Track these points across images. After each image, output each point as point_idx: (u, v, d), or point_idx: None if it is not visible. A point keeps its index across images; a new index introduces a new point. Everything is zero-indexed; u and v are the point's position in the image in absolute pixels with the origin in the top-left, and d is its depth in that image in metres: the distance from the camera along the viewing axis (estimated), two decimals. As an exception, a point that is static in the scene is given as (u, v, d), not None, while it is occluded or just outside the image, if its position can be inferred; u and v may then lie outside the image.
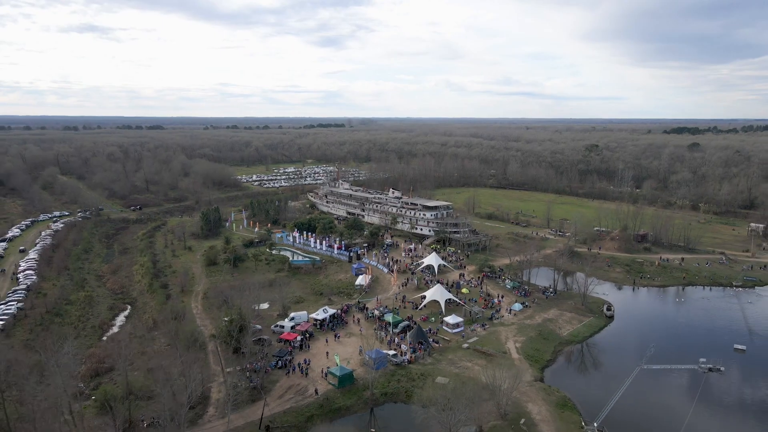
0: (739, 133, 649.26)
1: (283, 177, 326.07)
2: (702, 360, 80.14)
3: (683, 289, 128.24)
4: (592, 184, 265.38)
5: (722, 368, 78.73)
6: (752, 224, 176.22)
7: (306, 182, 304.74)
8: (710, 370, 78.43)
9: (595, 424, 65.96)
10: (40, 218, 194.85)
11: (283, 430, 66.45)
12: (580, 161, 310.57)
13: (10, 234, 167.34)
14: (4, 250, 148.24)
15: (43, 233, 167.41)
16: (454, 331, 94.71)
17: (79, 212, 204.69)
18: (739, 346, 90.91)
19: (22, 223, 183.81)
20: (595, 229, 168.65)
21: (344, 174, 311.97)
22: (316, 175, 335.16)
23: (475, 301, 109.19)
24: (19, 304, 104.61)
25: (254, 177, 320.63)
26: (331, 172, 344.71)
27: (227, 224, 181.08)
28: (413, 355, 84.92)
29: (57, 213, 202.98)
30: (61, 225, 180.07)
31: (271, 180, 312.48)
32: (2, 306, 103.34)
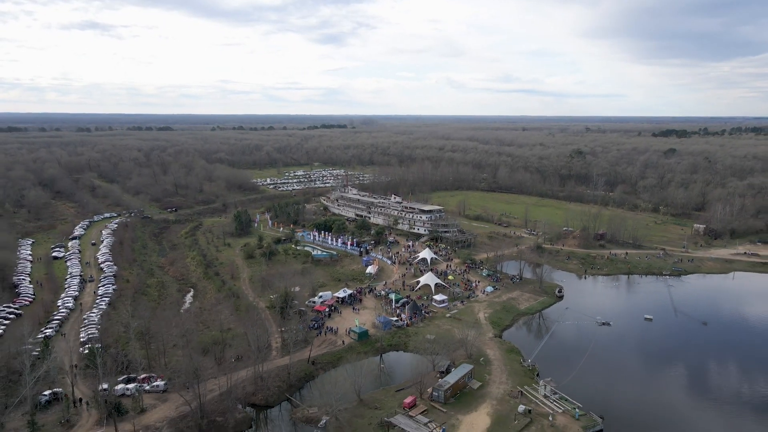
0: (723, 136, 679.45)
1: (295, 180, 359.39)
2: (598, 317, 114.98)
3: (629, 277, 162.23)
4: (571, 188, 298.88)
5: (611, 323, 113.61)
6: (696, 225, 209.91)
7: (316, 185, 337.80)
8: (603, 324, 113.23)
9: (529, 361, 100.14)
10: (94, 219, 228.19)
11: (323, 364, 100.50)
12: (563, 167, 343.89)
13: (76, 232, 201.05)
14: (79, 245, 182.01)
15: (103, 232, 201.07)
16: (440, 305, 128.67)
17: (125, 213, 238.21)
18: (648, 316, 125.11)
19: (82, 223, 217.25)
20: (564, 229, 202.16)
21: (351, 178, 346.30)
22: (324, 178, 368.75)
23: (458, 285, 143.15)
24: (113, 287, 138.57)
25: (268, 180, 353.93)
26: (338, 175, 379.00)
27: (255, 224, 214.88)
28: (410, 321, 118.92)
29: (107, 214, 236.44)
30: (116, 225, 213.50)
31: (284, 183, 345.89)
32: (102, 288, 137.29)
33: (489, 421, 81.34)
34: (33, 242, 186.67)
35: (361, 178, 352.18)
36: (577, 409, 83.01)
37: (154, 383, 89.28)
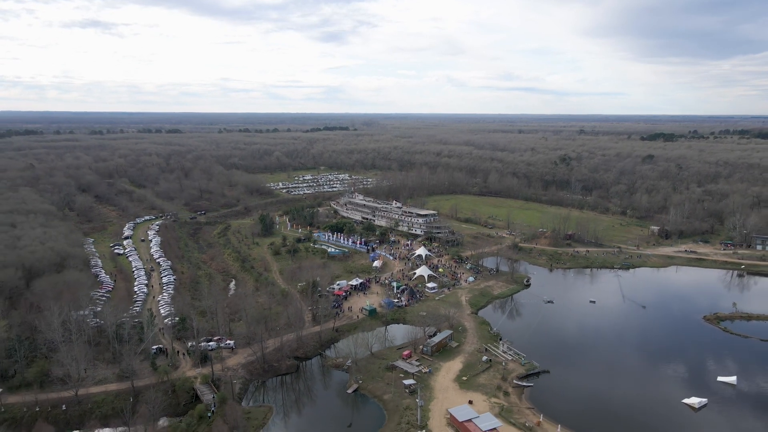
0: (708, 140, 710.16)
1: (305, 184, 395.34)
2: (544, 297, 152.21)
3: (591, 270, 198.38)
4: (553, 193, 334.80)
5: (553, 301, 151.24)
6: (652, 227, 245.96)
7: (324, 189, 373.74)
8: (547, 302, 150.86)
9: (495, 329, 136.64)
10: (137, 221, 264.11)
11: (344, 331, 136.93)
12: (547, 173, 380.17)
13: (126, 233, 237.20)
14: (132, 243, 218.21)
15: (149, 232, 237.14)
16: (432, 291, 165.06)
17: (161, 216, 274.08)
18: (592, 299, 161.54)
19: (128, 224, 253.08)
20: (540, 230, 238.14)
21: (356, 182, 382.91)
22: (331, 182, 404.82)
23: (446, 276, 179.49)
24: (173, 277, 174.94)
25: (280, 185, 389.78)
26: (343, 180, 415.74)
27: (276, 226, 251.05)
28: (408, 302, 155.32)
29: (146, 217, 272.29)
30: (157, 226, 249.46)
31: (295, 187, 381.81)
32: (165, 278, 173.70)
33: (461, 365, 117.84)
34: (93, 241, 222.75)
35: (365, 183, 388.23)
36: (523, 358, 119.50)
37: (226, 342, 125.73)
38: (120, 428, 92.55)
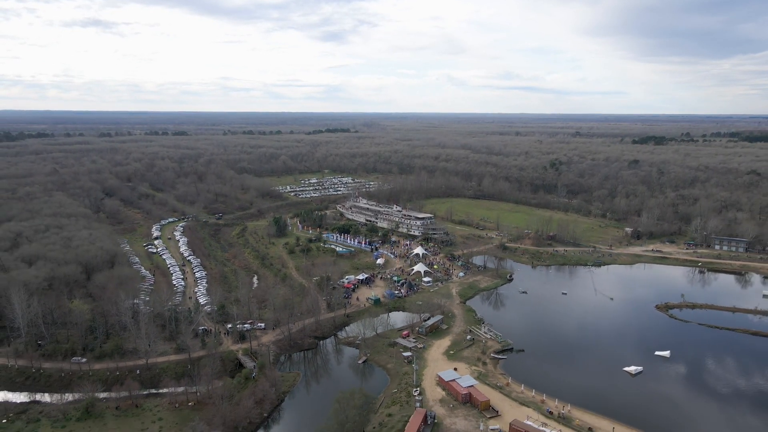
0: (698, 143, 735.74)
1: (311, 188, 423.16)
2: (519, 288, 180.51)
3: (568, 267, 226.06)
4: (541, 196, 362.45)
5: (527, 291, 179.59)
6: (626, 228, 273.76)
7: (329, 193, 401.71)
8: (522, 292, 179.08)
9: (479, 315, 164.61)
10: (162, 223, 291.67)
11: (353, 317, 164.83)
12: (537, 177, 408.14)
13: (154, 234, 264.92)
14: (163, 243, 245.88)
15: (175, 233, 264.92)
16: (427, 284, 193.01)
17: (182, 218, 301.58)
18: (564, 291, 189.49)
19: (155, 226, 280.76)
20: (525, 231, 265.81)
21: (359, 186, 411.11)
22: (335, 186, 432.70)
23: (440, 272, 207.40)
24: (204, 272, 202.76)
25: (288, 188, 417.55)
26: (347, 183, 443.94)
27: (289, 228, 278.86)
28: (407, 294, 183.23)
29: (170, 219, 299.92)
30: (181, 228, 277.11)
31: (302, 190, 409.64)
32: (197, 273, 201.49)
33: (449, 343, 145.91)
34: (127, 241, 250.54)
35: (367, 187, 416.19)
36: (499, 337, 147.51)
37: (258, 324, 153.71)
38: (186, 387, 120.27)
